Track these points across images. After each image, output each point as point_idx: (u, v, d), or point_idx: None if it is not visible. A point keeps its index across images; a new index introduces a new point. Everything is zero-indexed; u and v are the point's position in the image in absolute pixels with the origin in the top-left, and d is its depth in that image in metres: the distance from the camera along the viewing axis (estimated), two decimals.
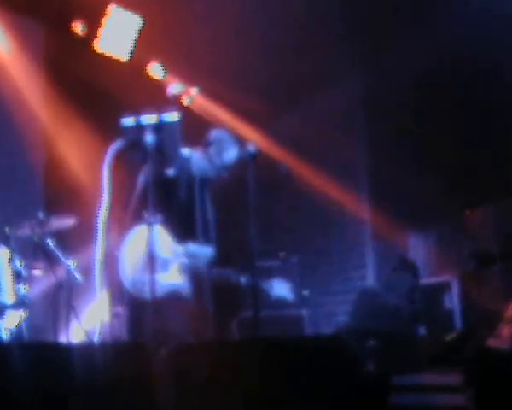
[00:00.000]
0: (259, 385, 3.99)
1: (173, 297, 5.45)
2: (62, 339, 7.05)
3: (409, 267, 7.76)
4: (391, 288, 7.70)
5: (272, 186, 7.80)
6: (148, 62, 9.49)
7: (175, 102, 5.57)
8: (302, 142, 8.95)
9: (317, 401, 3.97)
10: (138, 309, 5.42)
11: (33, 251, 7.11)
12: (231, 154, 5.87)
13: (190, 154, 5.74)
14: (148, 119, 5.23)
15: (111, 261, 5.48)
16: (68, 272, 7.16)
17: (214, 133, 6.01)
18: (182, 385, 3.87)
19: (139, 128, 5.20)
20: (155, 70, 9.50)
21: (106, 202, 5.24)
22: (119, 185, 5.29)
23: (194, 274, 5.60)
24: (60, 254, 7.14)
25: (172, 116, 5.25)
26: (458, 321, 7.60)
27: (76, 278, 7.15)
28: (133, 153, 5.29)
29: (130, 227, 5.41)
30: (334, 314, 9.36)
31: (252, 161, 5.37)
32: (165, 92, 5.78)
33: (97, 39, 9.02)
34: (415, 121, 8.63)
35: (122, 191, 5.37)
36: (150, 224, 5.05)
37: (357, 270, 9.41)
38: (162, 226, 5.45)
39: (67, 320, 7.04)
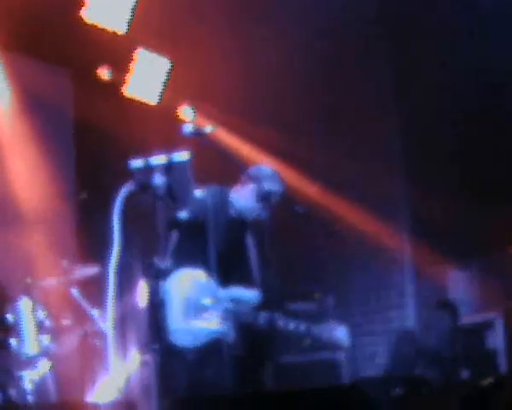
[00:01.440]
0: None
1: (216, 345, 5.22)
2: (89, 392, 6.85)
3: (449, 307, 7.43)
4: (431, 330, 7.39)
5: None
6: (178, 105, 9.40)
7: (190, 142, 5.36)
8: (336, 173, 8.69)
9: None
10: (173, 358, 5.21)
11: (58, 301, 6.98)
12: (274, 190, 5.59)
13: (205, 194, 5.52)
14: (157, 159, 5.03)
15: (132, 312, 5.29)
16: (94, 322, 6.99)
17: (255, 170, 5.77)
18: None
19: (148, 170, 5.00)
20: (185, 112, 9.40)
21: (117, 249, 5.05)
22: (130, 231, 5.10)
23: (238, 320, 5.36)
24: (85, 304, 6.99)
25: (182, 156, 5.05)
26: (503, 363, 7.26)
27: (102, 328, 6.97)
28: (143, 196, 5.09)
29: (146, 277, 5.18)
30: (374, 356, 9.03)
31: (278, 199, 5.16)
32: (175, 132, 5.58)
33: (126, 85, 8.96)
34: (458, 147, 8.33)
35: (133, 238, 5.17)
36: (162, 273, 4.85)
37: (397, 310, 9.08)
38: (203, 270, 5.25)
39: (95, 372, 6.87)
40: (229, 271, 5.41)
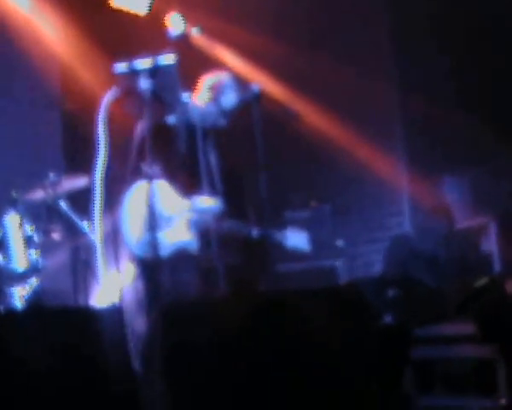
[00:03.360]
0: (266, 338, 3.66)
1: (181, 255, 5.11)
2: (82, 303, 6.78)
3: (444, 212, 7.35)
4: (426, 234, 7.32)
5: (284, 133, 7.40)
6: (166, 12, 9.11)
7: (176, 45, 5.18)
8: (325, 87, 8.49)
9: (328, 354, 3.63)
10: (149, 271, 5.12)
11: (47, 215, 6.83)
12: (230, 99, 5.47)
13: (190, 99, 5.36)
14: (143, 63, 4.86)
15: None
16: (84, 234, 6.86)
17: (210, 78, 5.61)
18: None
19: (133, 74, 4.83)
20: (173, 19, 9.12)
21: (103, 157, 4.91)
22: (116, 138, 4.96)
23: (201, 229, 5.24)
24: (74, 217, 6.85)
25: (168, 59, 4.87)
26: (498, 266, 7.21)
27: (93, 241, 6.85)
28: (129, 101, 4.93)
29: (131, 184, 5.05)
30: (371, 264, 8.98)
31: (256, 103, 4.98)
32: (162, 37, 5.40)
33: None
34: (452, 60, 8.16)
35: (119, 144, 5.03)
36: (150, 178, 4.71)
37: (394, 217, 8.99)
38: (164, 181, 5.09)
39: (87, 284, 6.79)
40: (191, 180, 5.27)
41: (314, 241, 7.68)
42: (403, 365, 4.21)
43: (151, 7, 8.85)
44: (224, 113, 5.48)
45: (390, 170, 8.70)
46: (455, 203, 7.95)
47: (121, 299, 5.41)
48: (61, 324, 3.61)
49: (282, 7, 8.39)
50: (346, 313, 3.80)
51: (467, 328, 4.29)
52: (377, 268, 8.50)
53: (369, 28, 8.85)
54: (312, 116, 8.25)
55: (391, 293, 5.05)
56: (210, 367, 3.53)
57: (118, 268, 5.48)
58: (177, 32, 5.29)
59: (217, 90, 5.48)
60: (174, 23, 9.02)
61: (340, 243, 8.10)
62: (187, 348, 3.56)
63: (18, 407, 3.34)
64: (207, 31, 7.24)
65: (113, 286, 6.74)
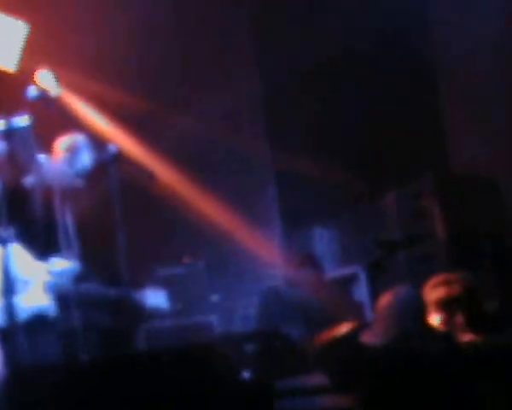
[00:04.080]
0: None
1: (39, 319, 5.02)
2: None
3: (312, 261, 7.47)
4: (297, 285, 7.41)
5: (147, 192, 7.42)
6: (35, 70, 9.01)
7: (33, 106, 5.14)
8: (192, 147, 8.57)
9: None
10: (5, 337, 4.99)
11: None
12: (85, 159, 5.48)
13: (46, 161, 5.32)
14: None
15: None
16: None
17: (66, 139, 5.60)
18: None
19: None
20: (44, 78, 9.01)
21: None
22: None
23: (59, 292, 5.17)
24: None
25: (23, 120, 4.84)
26: (370, 314, 7.34)
27: None
28: None
29: None
30: (248, 317, 9.01)
31: (114, 163, 4.99)
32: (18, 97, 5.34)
33: None
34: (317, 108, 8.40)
35: None
36: (5, 242, 4.63)
37: (269, 269, 9.08)
38: (19, 243, 5.00)
39: None
40: (47, 242, 5.23)
41: (188, 297, 7.70)
42: None
43: (19, 64, 8.75)
44: (80, 173, 5.47)
45: (262, 223, 8.82)
46: (325, 254, 8.10)
47: None
48: None
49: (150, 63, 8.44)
50: (201, 370, 3.81)
51: (326, 378, 4.35)
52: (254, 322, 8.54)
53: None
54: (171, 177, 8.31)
55: (249, 348, 5.08)
56: None
57: None
58: (38, 92, 5.24)
59: (72, 152, 5.47)
60: (42, 81, 8.95)
61: (214, 297, 8.12)
62: None
63: None
64: (70, 87, 7.21)
65: None
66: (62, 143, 5.57)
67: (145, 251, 7.22)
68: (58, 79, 8.95)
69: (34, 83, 8.80)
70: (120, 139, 7.26)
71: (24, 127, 4.84)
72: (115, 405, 3.76)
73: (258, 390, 4.20)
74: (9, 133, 4.78)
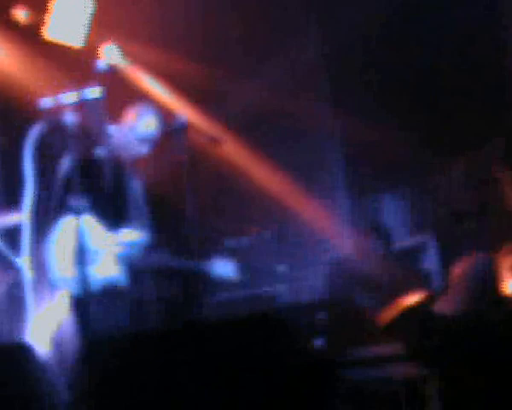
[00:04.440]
0: (186, 375, 3.65)
1: (110, 290, 5.09)
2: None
3: (381, 232, 7.41)
4: (365, 256, 7.37)
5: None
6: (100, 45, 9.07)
7: (102, 78, 5.17)
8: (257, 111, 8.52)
9: (254, 387, 3.62)
10: (78, 307, 5.08)
11: None
12: (153, 129, 5.48)
13: (118, 135, 5.36)
14: (69, 97, 4.85)
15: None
16: (19, 271, 6.79)
17: (134, 109, 5.61)
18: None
19: (59, 108, 4.82)
20: (110, 51, 9.08)
21: (30, 193, 4.88)
22: (43, 173, 4.92)
23: (129, 263, 5.22)
24: (10, 253, 6.77)
25: (94, 92, 4.87)
26: (439, 283, 7.28)
27: (29, 276, 6.78)
28: (55, 136, 4.91)
29: (58, 219, 5.01)
30: (316, 287, 8.99)
31: (182, 133, 4.99)
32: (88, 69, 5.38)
33: (45, 27, 8.58)
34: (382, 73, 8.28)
35: (46, 180, 4.99)
36: (77, 213, 4.68)
37: (336, 239, 9.04)
38: (90, 215, 5.05)
39: (22, 321, 6.70)
40: (118, 213, 5.27)
41: (256, 268, 7.71)
42: (333, 388, 4.21)
43: (87, 39, 8.82)
44: (149, 143, 5.47)
45: (328, 192, 8.78)
46: (394, 223, 8.02)
47: (54, 334, 5.36)
48: None
49: (212, 33, 8.42)
50: (270, 338, 3.81)
51: (396, 348, 4.32)
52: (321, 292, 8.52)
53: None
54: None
55: (319, 317, 5.06)
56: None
57: (49, 304, 5.44)
58: (106, 64, 5.28)
59: (140, 122, 5.47)
60: (108, 55, 9.02)
61: (282, 268, 8.12)
62: (113, 382, 3.55)
63: None
64: (138, 61, 7.24)
65: (44, 322, 6.69)
66: (130, 113, 5.59)
67: (212, 222, 7.24)
68: (124, 51, 9.06)
69: (101, 56, 8.93)
70: (186, 110, 7.26)
71: (95, 99, 4.88)
72: (185, 373, 3.78)
73: (329, 360, 4.20)
74: (81, 105, 4.81)
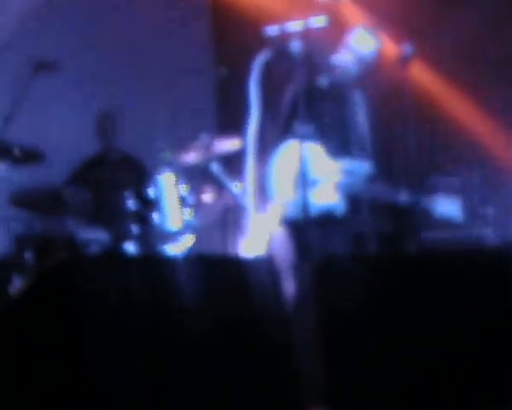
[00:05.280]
0: (405, 304, 3.68)
1: (329, 218, 5.18)
2: None
3: None
4: None
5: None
6: None
7: (325, 9, 5.21)
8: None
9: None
10: (297, 231, 5.21)
11: (199, 176, 7.02)
12: (369, 45, 5.44)
13: (339, 61, 5.39)
14: (294, 25, 4.93)
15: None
16: (235, 196, 7.01)
17: (353, 33, 5.61)
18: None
19: (285, 36, 4.92)
20: None
21: (255, 117, 5.02)
22: (268, 99, 5.06)
23: (349, 193, 5.28)
24: (226, 179, 7.00)
25: (320, 21, 4.93)
26: None
27: (243, 202, 6.99)
28: (280, 63, 5.01)
29: (282, 143, 5.16)
30: None
31: (407, 63, 4.96)
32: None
33: None
34: None
35: (271, 105, 5.12)
36: (301, 137, 4.78)
37: None
38: (314, 141, 5.15)
39: (236, 244, 6.93)
40: (341, 141, 5.30)
41: (464, 209, 7.56)
42: None
43: None
44: (367, 62, 5.46)
45: None
46: None
47: (268, 249, 5.53)
48: (218, 271, 3.72)
49: None
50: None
51: None
52: None
53: None
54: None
55: None
56: (366, 323, 3.59)
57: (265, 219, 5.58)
58: None
59: (357, 39, 5.47)
60: None
61: (490, 210, 7.93)
62: (340, 303, 3.63)
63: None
64: None
65: (260, 237, 6.87)
66: (350, 35, 5.61)
67: (425, 158, 7.14)
68: None
69: None
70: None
71: (320, 28, 4.94)
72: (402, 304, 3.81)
73: None
74: (306, 33, 4.88)
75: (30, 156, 5.95)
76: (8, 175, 5.94)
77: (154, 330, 3.35)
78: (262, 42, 5.11)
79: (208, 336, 3.53)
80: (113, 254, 6.04)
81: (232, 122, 7.61)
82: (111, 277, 3.32)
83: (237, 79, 5.88)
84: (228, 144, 6.96)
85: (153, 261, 4.01)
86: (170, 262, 3.89)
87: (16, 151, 5.87)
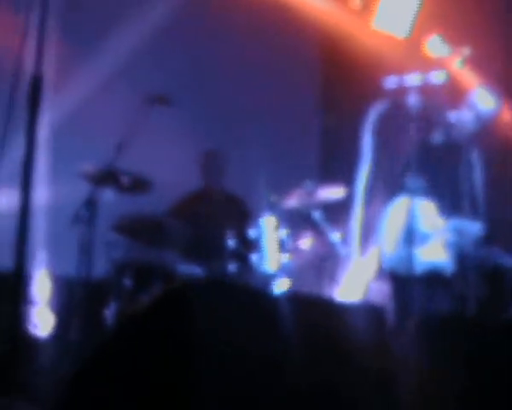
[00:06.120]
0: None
1: (435, 276, 5.10)
2: None
3: None
4: None
5: None
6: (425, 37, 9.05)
7: (440, 64, 5.20)
8: None
9: None
10: (400, 285, 5.16)
11: (300, 222, 7.02)
12: (490, 104, 5.39)
13: (457, 118, 5.34)
14: (412, 79, 4.92)
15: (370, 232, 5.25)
16: (333, 245, 6.98)
17: (474, 90, 5.58)
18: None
19: (402, 89, 4.91)
20: (433, 45, 9.05)
21: (367, 167, 5.02)
22: (381, 151, 5.04)
23: (459, 252, 5.19)
24: (326, 227, 6.98)
25: (438, 77, 4.90)
26: None
27: (341, 252, 6.96)
28: (396, 115, 5.01)
29: (393, 196, 5.12)
30: None
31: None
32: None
33: (373, 16, 8.71)
34: None
35: (384, 157, 5.11)
36: (413, 192, 4.75)
37: None
38: (425, 197, 5.11)
39: (330, 293, 6.89)
40: (453, 199, 5.23)
41: None
42: None
43: (412, 31, 8.83)
44: (485, 120, 5.41)
45: None
46: None
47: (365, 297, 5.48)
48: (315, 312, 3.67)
49: None
50: None
51: None
52: None
53: None
54: None
55: None
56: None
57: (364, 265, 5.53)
58: (443, 53, 5.31)
59: (481, 99, 5.43)
60: (434, 46, 8.97)
61: None
62: (441, 362, 3.56)
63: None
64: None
65: (357, 284, 6.80)
66: (471, 94, 5.57)
67: None
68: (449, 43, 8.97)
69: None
70: None
71: (438, 84, 4.92)
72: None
73: None
74: (425, 88, 4.87)
75: (138, 184, 6.06)
76: (114, 201, 6.05)
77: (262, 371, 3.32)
78: (375, 92, 5.11)
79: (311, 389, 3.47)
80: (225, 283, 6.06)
81: (337, 170, 7.62)
82: (222, 307, 3.31)
83: (345, 126, 5.90)
84: (331, 192, 6.96)
85: (265, 297, 3.99)
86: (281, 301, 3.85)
87: (125, 178, 5.99)
